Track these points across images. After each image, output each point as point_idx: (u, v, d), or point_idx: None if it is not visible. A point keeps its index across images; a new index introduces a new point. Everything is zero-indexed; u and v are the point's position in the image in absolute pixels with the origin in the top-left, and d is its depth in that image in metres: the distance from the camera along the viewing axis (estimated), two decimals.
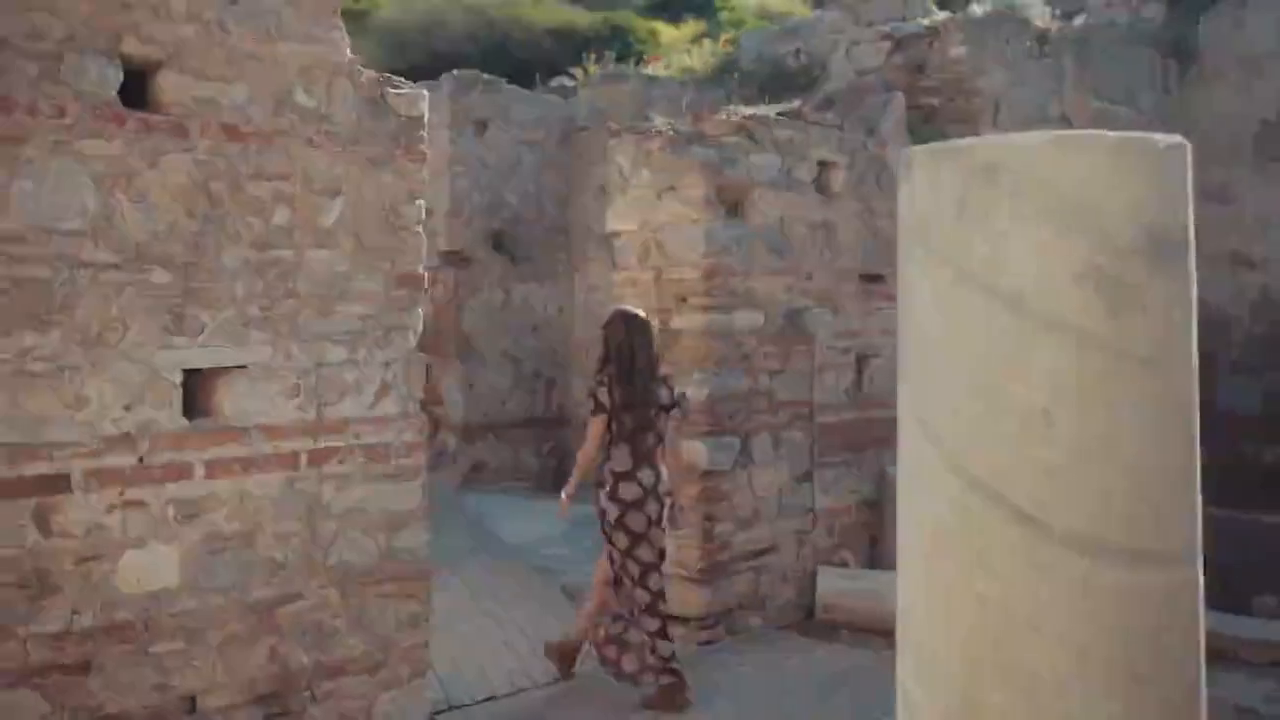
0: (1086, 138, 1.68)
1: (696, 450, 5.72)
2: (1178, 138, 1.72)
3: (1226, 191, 9.02)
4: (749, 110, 6.17)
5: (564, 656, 5.25)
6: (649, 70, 12.43)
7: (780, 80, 10.74)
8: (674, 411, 5.11)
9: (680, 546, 5.73)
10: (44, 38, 3.47)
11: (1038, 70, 7.68)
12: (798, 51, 11.63)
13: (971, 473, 1.66)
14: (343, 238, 4.18)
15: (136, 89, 3.74)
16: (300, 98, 4.06)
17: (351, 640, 4.20)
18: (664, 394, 5.05)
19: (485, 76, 10.28)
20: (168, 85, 3.76)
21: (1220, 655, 5.45)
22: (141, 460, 3.69)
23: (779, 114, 6.16)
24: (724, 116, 5.94)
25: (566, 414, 10.42)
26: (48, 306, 3.49)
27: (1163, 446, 1.64)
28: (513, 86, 10.53)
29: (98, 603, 3.60)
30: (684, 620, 5.72)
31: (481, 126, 10.12)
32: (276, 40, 3.98)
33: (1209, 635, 4.95)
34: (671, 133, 5.77)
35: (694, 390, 5.72)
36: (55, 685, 3.50)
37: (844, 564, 6.35)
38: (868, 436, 6.44)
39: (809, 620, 6.11)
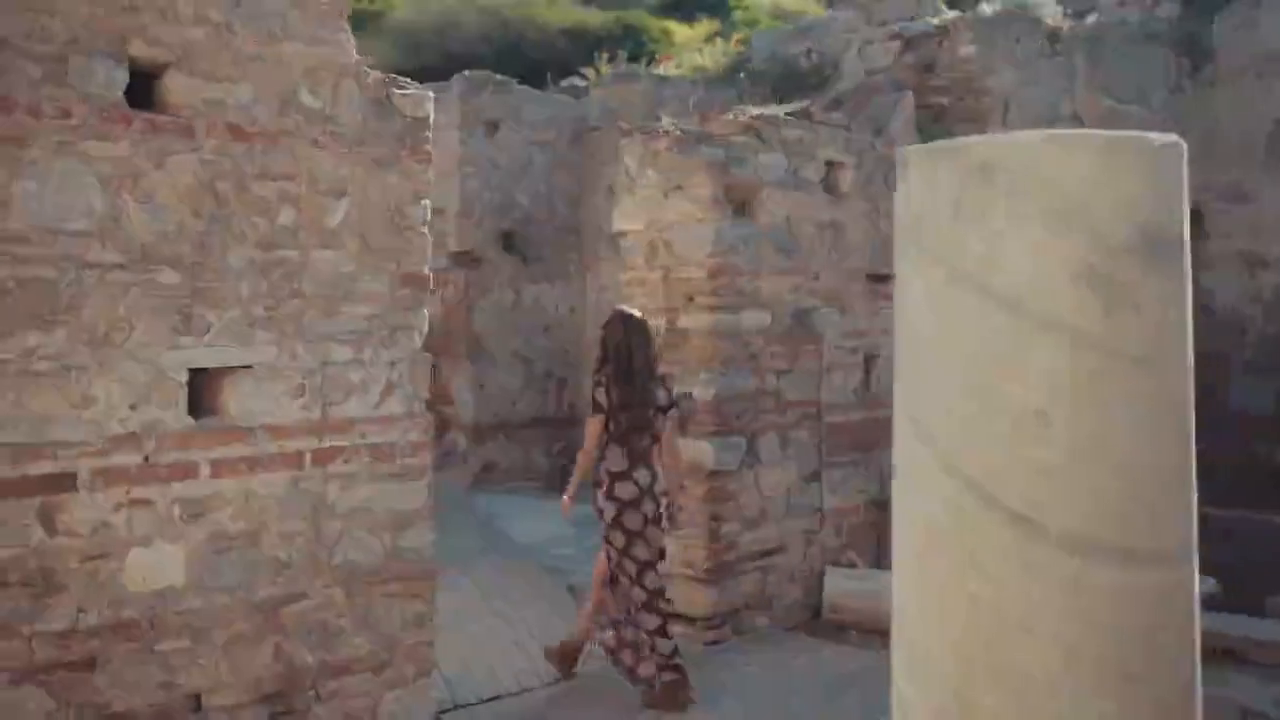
0: (1081, 137, 1.68)
1: (703, 450, 5.72)
2: (1173, 136, 1.72)
3: (1240, 191, 8.97)
4: (756, 110, 6.17)
5: (565, 658, 5.27)
6: (660, 70, 12.43)
7: (792, 80, 10.73)
8: (671, 412, 5.15)
9: (687, 546, 5.74)
10: (49, 40, 3.49)
11: (1048, 69, 7.65)
12: (809, 51, 11.60)
13: (964, 472, 1.66)
14: (348, 238, 4.19)
15: (143, 90, 3.76)
16: (306, 98, 4.08)
17: (357, 639, 4.21)
18: (661, 395, 5.10)
19: (496, 77, 10.30)
20: (174, 86, 3.78)
21: (1231, 657, 5.43)
22: (147, 459, 3.71)
23: (787, 114, 6.16)
24: (731, 116, 5.94)
25: (577, 414, 10.42)
26: (53, 306, 3.51)
27: (1157, 446, 1.64)
28: (524, 87, 10.54)
29: (103, 601, 3.62)
30: (690, 620, 5.73)
31: (492, 127, 10.13)
32: (282, 41, 3.99)
33: (1219, 637, 4.93)
34: (679, 133, 5.77)
35: (701, 390, 5.72)
36: (61, 683, 3.52)
37: (851, 564, 6.34)
38: (875, 436, 6.43)
39: (816, 620, 6.10)
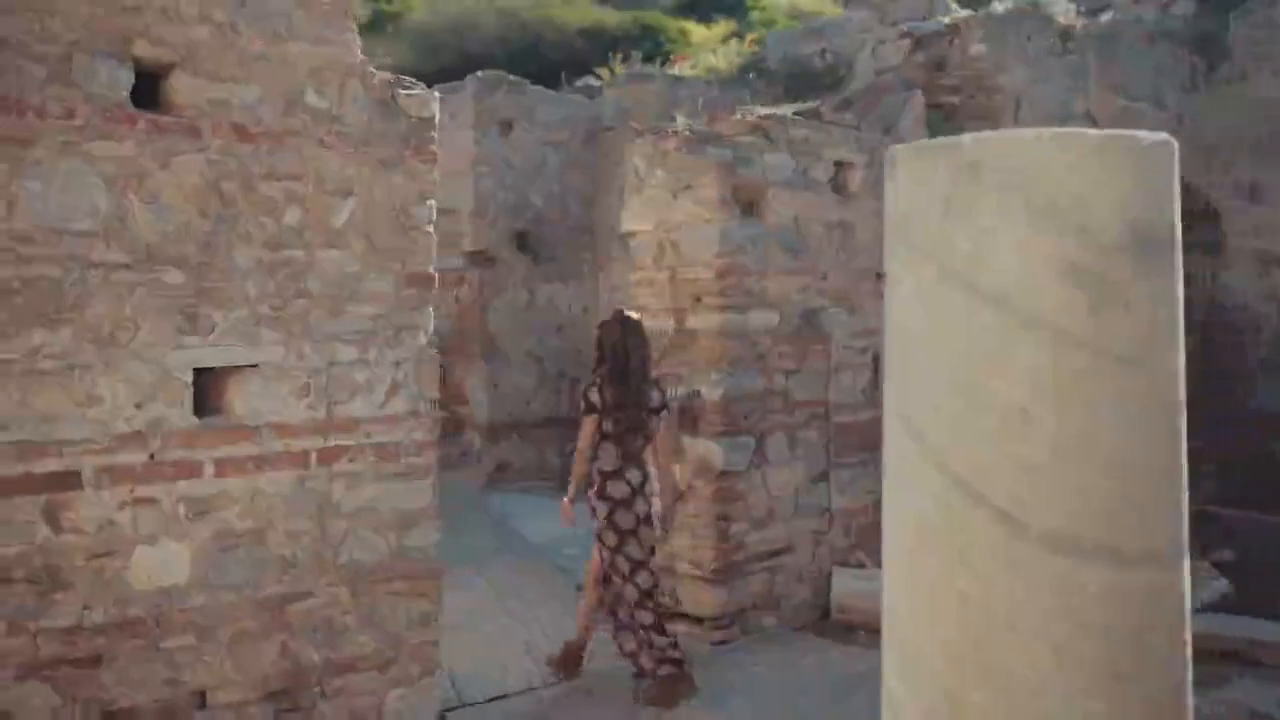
0: (1070, 135, 1.67)
1: (711, 450, 5.72)
2: (1163, 135, 1.71)
3: (1256, 190, 8.91)
4: (764, 110, 6.16)
5: (567, 661, 5.28)
6: (675, 70, 12.43)
7: (806, 80, 10.72)
8: (663, 413, 5.21)
9: (695, 546, 5.75)
10: (53, 40, 3.52)
11: (1061, 68, 7.62)
12: (823, 51, 11.59)
13: (952, 470, 1.65)
14: (354, 238, 4.21)
15: (148, 90, 3.79)
16: (311, 99, 4.10)
17: (362, 638, 4.23)
18: (655, 395, 5.16)
19: (510, 77, 10.32)
20: (179, 87, 3.81)
21: (1239, 658, 5.40)
22: (153, 458, 3.74)
23: (796, 113, 6.15)
24: (739, 116, 5.94)
25: None
26: (58, 306, 3.54)
27: (1146, 445, 1.63)
28: (537, 87, 10.56)
29: (109, 598, 3.64)
30: (698, 620, 5.74)
31: (506, 127, 10.16)
32: (287, 41, 4.01)
33: (1229, 639, 4.91)
34: (687, 133, 5.77)
35: (709, 390, 5.72)
36: (66, 679, 3.55)
37: (860, 565, 6.32)
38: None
39: (825, 621, 6.09)
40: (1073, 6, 8.16)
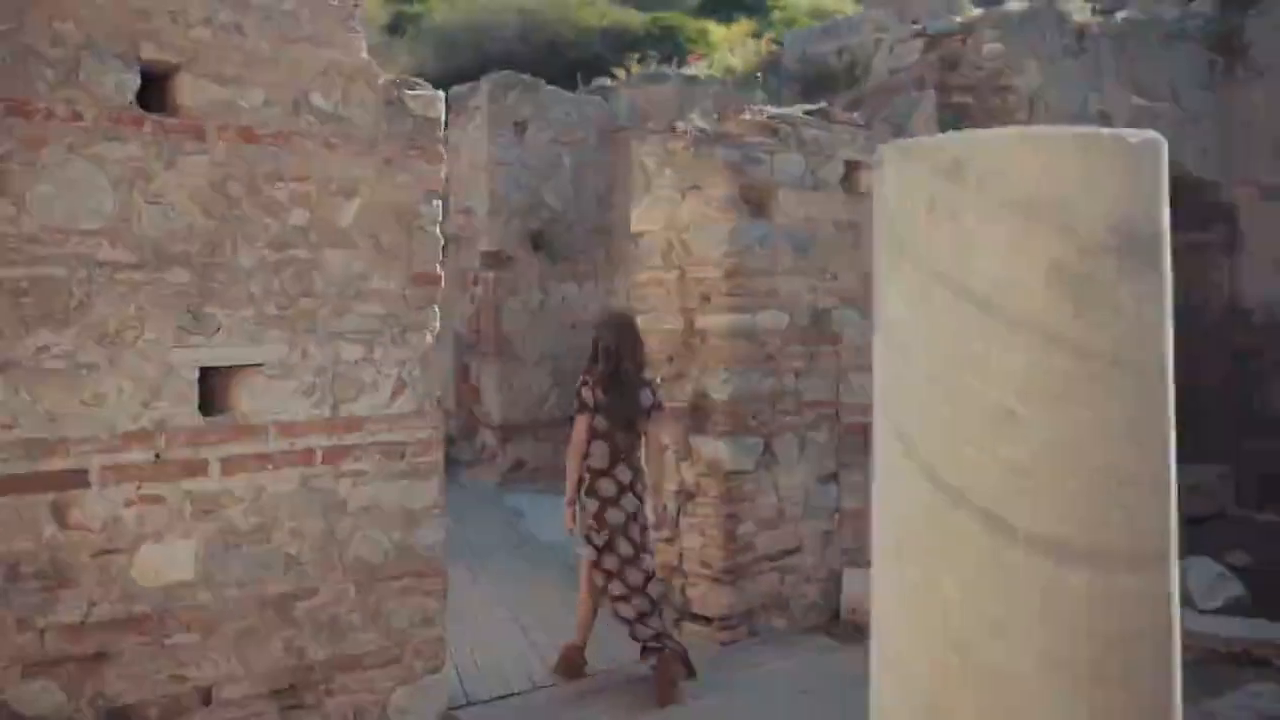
0: (1055, 134, 1.67)
1: (719, 450, 5.72)
2: (1151, 133, 1.70)
3: (1275, 189, 8.83)
4: (774, 110, 6.15)
5: (569, 664, 5.30)
6: (690, 70, 12.43)
7: (823, 80, 10.69)
8: (654, 413, 5.27)
9: (703, 546, 5.76)
10: (63, 44, 3.56)
11: (1076, 67, 7.57)
12: (840, 51, 11.56)
13: (938, 473, 1.65)
14: (359, 238, 4.23)
15: (155, 92, 3.82)
16: (317, 100, 4.12)
17: (367, 635, 4.25)
18: (646, 395, 5.23)
19: (524, 78, 10.36)
20: (185, 89, 3.83)
21: (1253, 662, 5.36)
22: (158, 456, 3.77)
23: (806, 113, 6.13)
24: (748, 116, 5.93)
25: None
26: (65, 305, 3.57)
27: (1134, 448, 1.62)
28: (552, 87, 10.59)
29: (115, 595, 3.67)
30: (707, 620, 5.75)
31: (521, 127, 10.19)
32: (293, 43, 4.04)
33: (1242, 641, 4.85)
34: (696, 133, 5.77)
35: (717, 390, 5.72)
36: (72, 675, 3.58)
37: (869, 565, 6.30)
38: None
39: (834, 621, 6.08)
40: (1088, 5, 8.11)
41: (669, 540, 5.89)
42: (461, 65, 15.01)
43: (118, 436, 3.68)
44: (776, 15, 20.65)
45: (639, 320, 5.69)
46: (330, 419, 4.16)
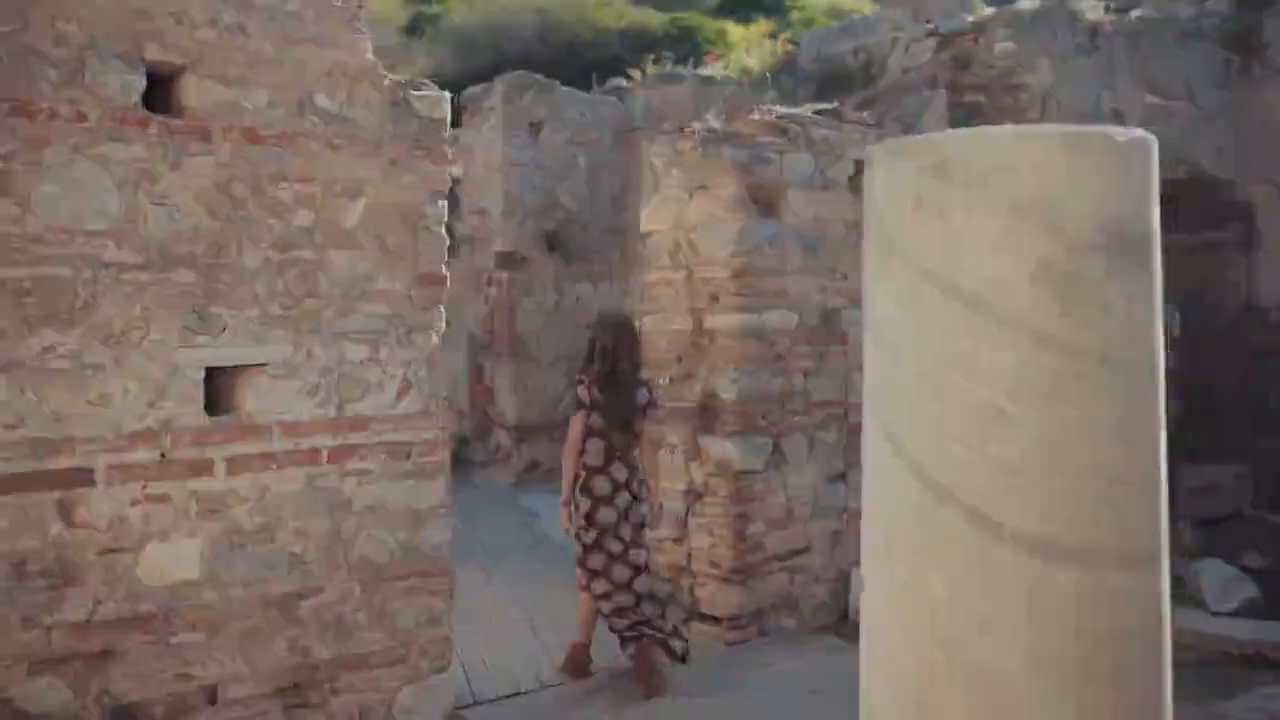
0: (1043, 132, 1.67)
1: (728, 450, 5.72)
2: (1140, 132, 1.69)
3: None
4: (783, 110, 6.14)
5: (573, 663, 5.31)
6: (706, 70, 12.42)
7: (839, 80, 10.67)
8: (650, 411, 5.31)
9: (712, 546, 5.76)
10: (67, 44, 3.58)
11: (1089, 66, 7.52)
12: (856, 50, 11.52)
13: (926, 471, 1.65)
14: (364, 238, 4.24)
15: (160, 93, 3.84)
16: (322, 101, 4.13)
17: (373, 634, 4.26)
18: (643, 393, 5.26)
19: (539, 78, 10.37)
20: (190, 90, 3.85)
21: (1267, 664, 5.32)
22: (164, 455, 3.79)
23: (816, 113, 6.12)
24: (756, 116, 5.92)
25: None
26: (70, 305, 3.59)
27: (1123, 447, 1.61)
28: (567, 88, 10.60)
29: (120, 593, 3.70)
30: (716, 620, 5.74)
31: (536, 128, 10.20)
32: (298, 45, 4.05)
33: (1255, 643, 4.82)
34: (704, 132, 5.77)
35: (726, 390, 5.72)
36: (77, 672, 3.60)
37: None
38: None
39: (843, 621, 6.06)
40: (1101, 3, 8.05)
41: (677, 540, 5.89)
42: (479, 66, 15.05)
43: (123, 436, 3.70)
44: (795, 15, 20.62)
45: (648, 320, 5.70)
46: (335, 419, 4.17)
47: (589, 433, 5.14)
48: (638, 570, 5.17)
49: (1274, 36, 8.87)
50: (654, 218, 6.00)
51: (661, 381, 5.82)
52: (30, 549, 3.52)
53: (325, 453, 4.15)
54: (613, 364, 5.15)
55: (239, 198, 3.94)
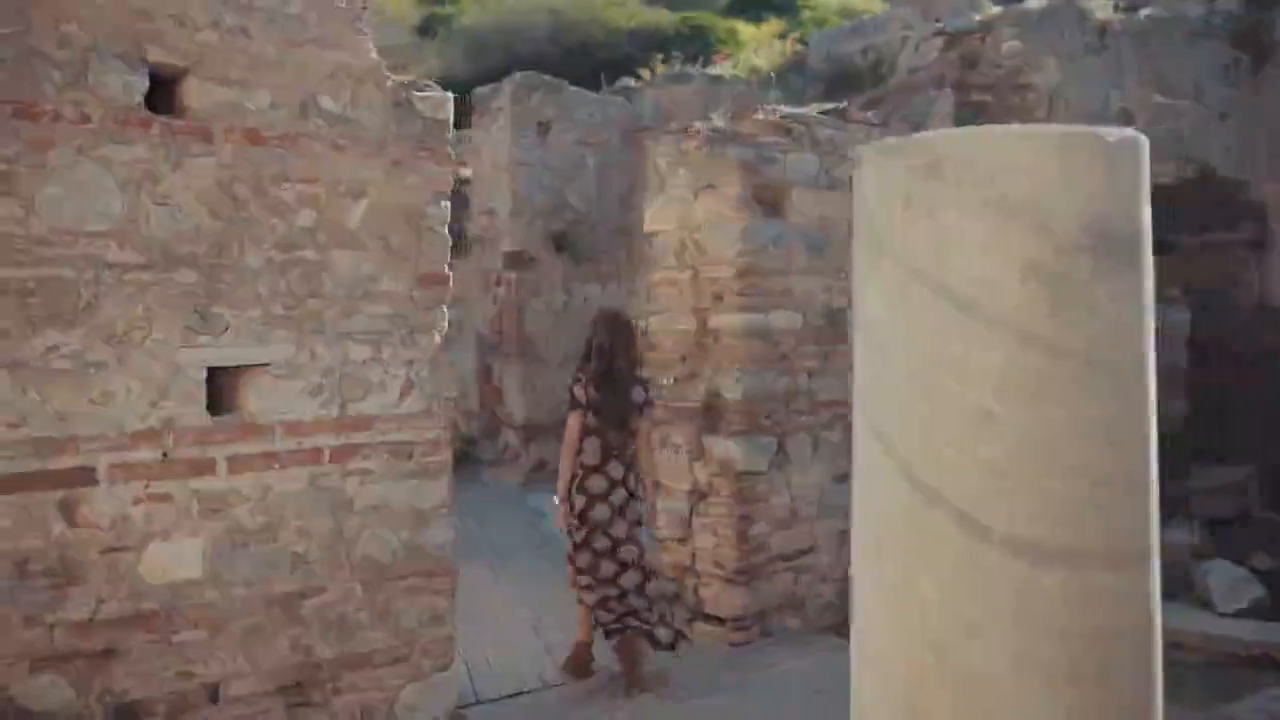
0: (1032, 132, 1.66)
1: (732, 450, 5.71)
2: (1130, 131, 1.69)
3: None
4: (787, 109, 6.14)
5: (577, 664, 5.32)
6: (715, 70, 12.42)
7: (849, 79, 10.67)
8: (647, 410, 5.32)
9: (716, 547, 5.76)
10: (70, 46, 3.60)
11: (1097, 65, 7.49)
12: (866, 50, 11.51)
13: (915, 472, 1.65)
14: (367, 239, 4.25)
15: (163, 95, 3.86)
16: (325, 102, 4.15)
17: (375, 633, 4.27)
18: (639, 392, 5.28)
19: (547, 78, 10.38)
20: (192, 91, 3.87)
21: (1274, 665, 5.30)
22: (166, 455, 3.81)
23: (821, 113, 6.12)
24: (761, 116, 5.92)
25: None
26: (73, 306, 3.61)
27: (1111, 448, 1.61)
28: (575, 88, 10.61)
29: (123, 592, 3.71)
30: (720, 620, 5.74)
31: (544, 128, 10.21)
32: (300, 46, 4.07)
33: (1260, 644, 4.79)
34: (709, 132, 5.77)
35: (730, 390, 5.71)
36: (80, 671, 3.62)
37: None
38: None
39: (849, 621, 6.04)
40: (1110, 2, 8.02)
41: (682, 540, 5.89)
42: (491, 66, 15.08)
43: (126, 435, 3.72)
44: (806, 15, 20.61)
45: (653, 320, 5.70)
46: (338, 418, 4.18)
47: (586, 432, 5.17)
48: (624, 566, 5.20)
49: None
50: (659, 217, 6.01)
51: (665, 381, 5.82)
52: (33, 548, 3.54)
53: (328, 452, 4.16)
54: (609, 362, 5.18)
55: (241, 198, 3.95)
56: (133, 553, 3.73)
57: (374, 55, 4.27)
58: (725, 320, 5.74)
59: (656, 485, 5.62)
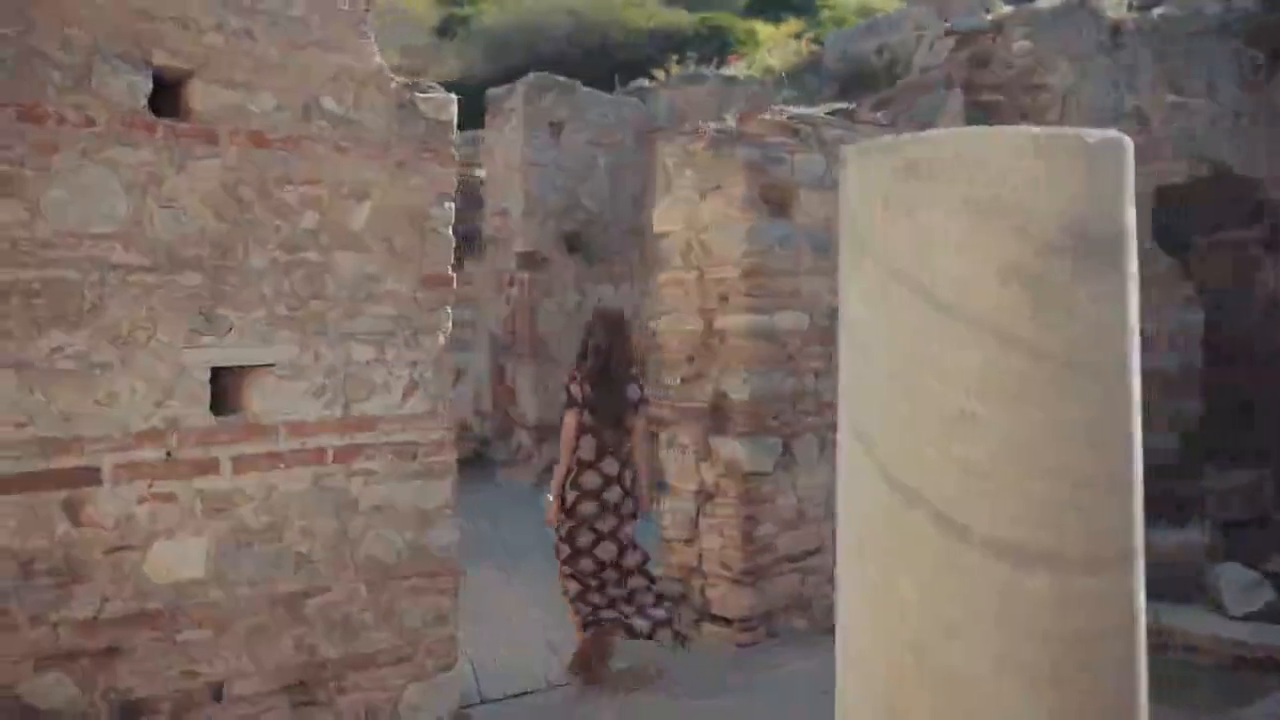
0: (1012, 133, 1.66)
1: (737, 451, 5.71)
2: (1113, 132, 1.68)
3: None
4: (794, 110, 6.13)
5: (582, 664, 5.31)
6: (729, 71, 12.41)
7: (863, 78, 10.64)
8: (641, 408, 5.38)
9: (722, 548, 5.75)
10: (74, 49, 3.63)
11: (1110, 64, 7.44)
12: (880, 49, 11.48)
13: (896, 472, 1.65)
14: (371, 240, 4.27)
15: (167, 97, 3.89)
16: (328, 104, 4.17)
17: (379, 633, 4.29)
18: (634, 390, 5.35)
19: (560, 79, 10.39)
20: (196, 94, 3.90)
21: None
22: (170, 455, 3.83)
23: (829, 113, 6.11)
24: (768, 116, 5.91)
25: None
26: (78, 307, 3.64)
27: (1092, 450, 1.60)
28: (589, 89, 10.62)
29: (127, 591, 3.74)
30: (726, 621, 5.73)
31: (557, 129, 10.23)
32: (304, 48, 4.09)
33: (1270, 648, 4.74)
34: (716, 133, 5.77)
35: (737, 391, 5.71)
36: (84, 669, 3.65)
37: None
38: None
39: None
40: (1123, 2, 7.97)
41: (688, 541, 5.90)
42: (511, 67, 15.11)
43: (130, 435, 3.75)
44: (825, 15, 20.57)
45: (659, 321, 5.71)
46: (342, 419, 4.21)
47: (582, 429, 5.22)
48: (602, 565, 5.27)
49: None
50: (666, 218, 6.01)
51: (671, 382, 5.83)
52: (38, 547, 3.57)
53: (331, 453, 4.18)
54: (605, 361, 5.24)
55: (245, 200, 3.97)
56: (137, 552, 3.76)
57: (377, 58, 4.29)
58: (731, 321, 5.74)
59: (660, 484, 5.63)
